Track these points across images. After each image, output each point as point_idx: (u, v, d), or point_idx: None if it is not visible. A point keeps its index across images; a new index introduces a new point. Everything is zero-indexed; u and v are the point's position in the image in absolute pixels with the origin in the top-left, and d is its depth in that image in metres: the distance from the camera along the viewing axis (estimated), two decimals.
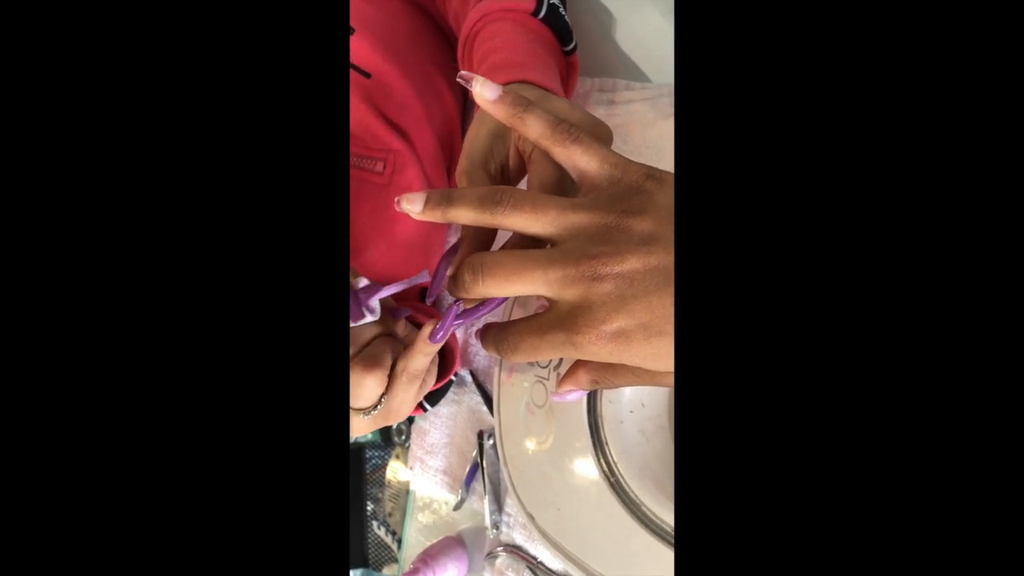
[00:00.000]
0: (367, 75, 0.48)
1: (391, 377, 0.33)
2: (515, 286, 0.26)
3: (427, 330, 0.31)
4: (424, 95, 0.51)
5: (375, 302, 0.31)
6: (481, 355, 0.57)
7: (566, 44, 0.48)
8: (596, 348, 0.25)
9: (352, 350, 0.33)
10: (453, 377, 0.57)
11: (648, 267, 0.24)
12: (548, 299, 0.27)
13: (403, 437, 0.82)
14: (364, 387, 0.32)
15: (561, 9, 0.47)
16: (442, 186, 0.54)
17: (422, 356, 0.32)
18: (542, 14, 0.45)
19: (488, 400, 0.56)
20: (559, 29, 0.47)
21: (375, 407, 0.34)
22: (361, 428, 0.35)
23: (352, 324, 0.30)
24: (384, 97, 0.49)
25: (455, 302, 0.29)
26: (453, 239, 0.59)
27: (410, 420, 0.80)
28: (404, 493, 0.85)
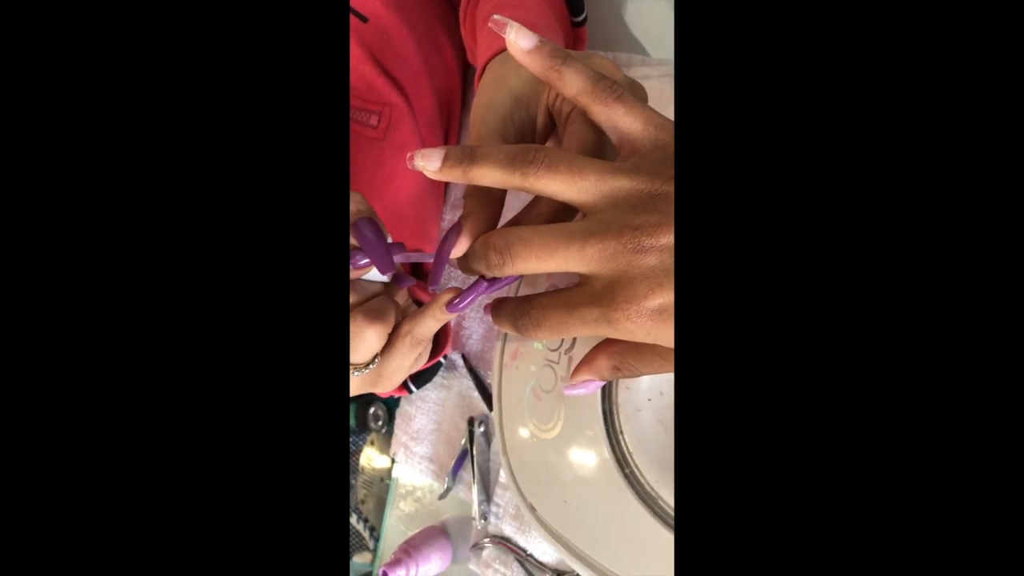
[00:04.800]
0: (364, 19, 0.45)
1: (393, 338, 0.30)
2: (548, 264, 0.24)
3: (446, 297, 0.28)
4: (425, 49, 0.48)
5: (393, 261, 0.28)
6: (474, 338, 0.55)
7: (576, 15, 0.46)
8: (633, 326, 0.23)
9: (355, 298, 0.30)
10: (442, 359, 0.55)
11: None
12: (581, 274, 0.24)
13: (379, 423, 0.79)
14: (363, 340, 0.29)
15: None
16: None
17: (433, 321, 0.30)
18: None
19: (480, 385, 0.53)
20: None
21: (367, 366, 0.31)
22: (350, 387, 0.32)
23: (369, 277, 0.27)
24: (382, 46, 0.46)
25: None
26: (449, 215, 0.56)
27: (391, 406, 0.77)
28: (378, 480, 0.82)
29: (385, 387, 0.34)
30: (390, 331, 0.30)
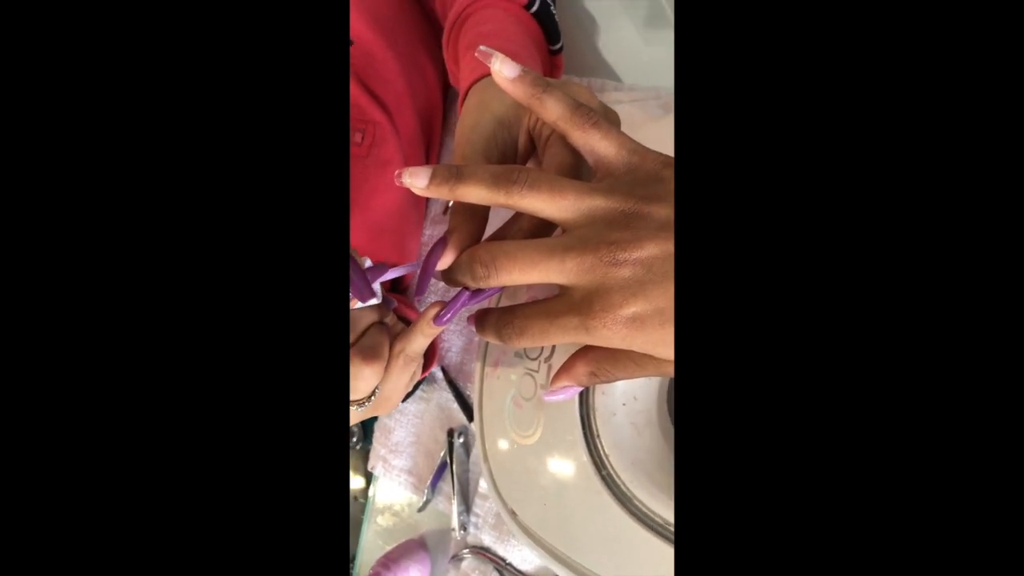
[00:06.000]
0: (350, 42, 0.47)
1: (387, 360, 0.32)
2: (530, 276, 0.25)
3: (432, 311, 0.30)
4: (408, 71, 0.50)
5: (378, 285, 0.30)
6: (453, 351, 0.56)
7: (553, 43, 0.48)
8: (610, 333, 0.25)
9: (350, 337, 0.31)
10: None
11: (666, 253, 0.24)
12: (560, 286, 0.26)
13: (354, 439, 0.79)
14: (362, 379, 0.30)
15: (552, 7, 0.47)
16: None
17: (422, 337, 0.31)
18: (535, 8, 0.45)
19: (459, 397, 0.55)
20: (548, 26, 0.47)
21: (368, 399, 0.32)
22: (352, 420, 0.34)
23: (360, 305, 0.28)
24: (365, 67, 0.48)
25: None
26: (429, 230, 0.57)
27: (367, 421, 0.77)
28: (352, 500, 0.81)
29: (386, 409, 0.35)
30: (386, 362, 0.31)
